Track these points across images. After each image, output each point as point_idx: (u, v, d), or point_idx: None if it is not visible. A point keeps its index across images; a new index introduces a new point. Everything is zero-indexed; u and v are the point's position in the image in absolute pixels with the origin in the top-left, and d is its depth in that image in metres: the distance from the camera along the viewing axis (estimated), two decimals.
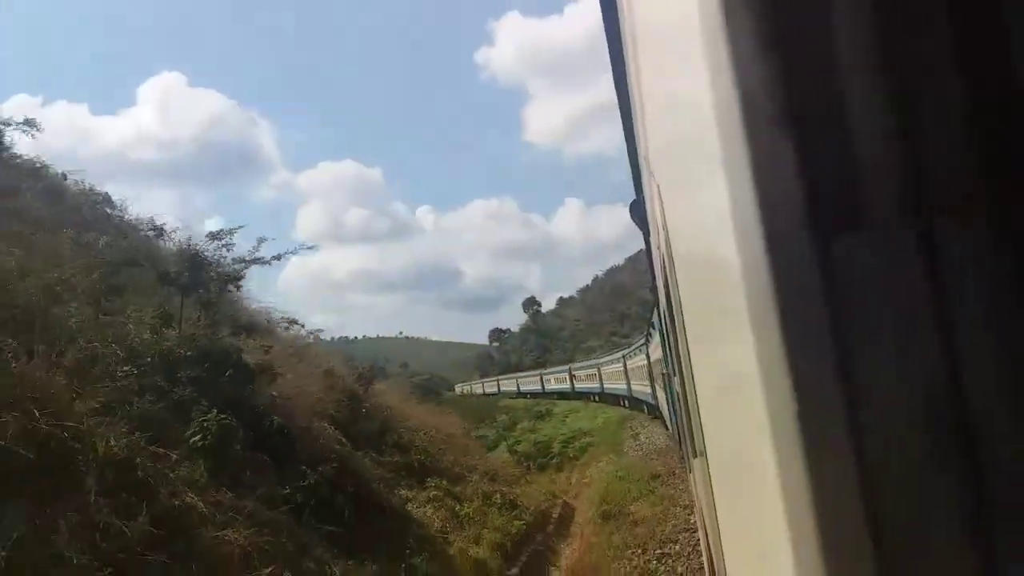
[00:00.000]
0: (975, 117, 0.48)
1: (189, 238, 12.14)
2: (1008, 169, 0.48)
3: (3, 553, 4.91)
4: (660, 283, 3.58)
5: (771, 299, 0.53)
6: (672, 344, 3.51)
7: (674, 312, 2.11)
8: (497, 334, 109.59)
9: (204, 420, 8.38)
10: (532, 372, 53.66)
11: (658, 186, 1.87)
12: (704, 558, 4.54)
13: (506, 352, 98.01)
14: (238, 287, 13.35)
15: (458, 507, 12.23)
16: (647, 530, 10.81)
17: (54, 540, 5.40)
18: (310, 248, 36.46)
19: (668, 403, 11.75)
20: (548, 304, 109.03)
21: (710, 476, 1.73)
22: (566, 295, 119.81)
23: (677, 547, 9.69)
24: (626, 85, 2.92)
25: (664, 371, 11.68)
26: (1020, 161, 0.47)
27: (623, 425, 23.88)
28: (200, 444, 8.14)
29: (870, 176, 0.50)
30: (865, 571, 0.50)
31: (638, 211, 4.78)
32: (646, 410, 24.13)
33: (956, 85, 0.49)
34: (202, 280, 11.25)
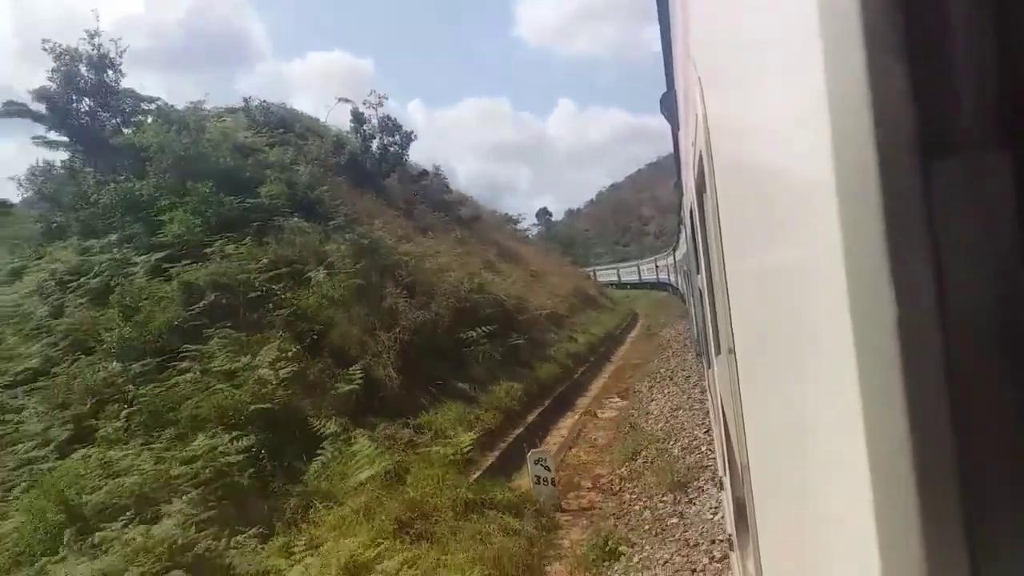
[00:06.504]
0: None
1: None
2: None
3: None
4: (691, 179, 3.29)
5: (866, 212, 0.52)
6: (700, 240, 3.30)
7: (706, 208, 1.98)
8: None
9: None
10: (631, 263, 61.94)
11: (700, 79, 1.80)
12: (719, 455, 4.62)
13: None
14: None
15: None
16: (662, 308, 35.95)
17: None
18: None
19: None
20: (550, 209, 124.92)
21: (737, 373, 1.74)
22: (574, 208, 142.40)
23: (669, 306, 34.30)
24: None
25: (686, 268, 13.11)
26: None
27: (647, 292, 49.08)
28: None
29: (966, 100, 0.49)
30: (947, 464, 0.49)
31: (668, 104, 4.61)
32: None
33: None
34: None
